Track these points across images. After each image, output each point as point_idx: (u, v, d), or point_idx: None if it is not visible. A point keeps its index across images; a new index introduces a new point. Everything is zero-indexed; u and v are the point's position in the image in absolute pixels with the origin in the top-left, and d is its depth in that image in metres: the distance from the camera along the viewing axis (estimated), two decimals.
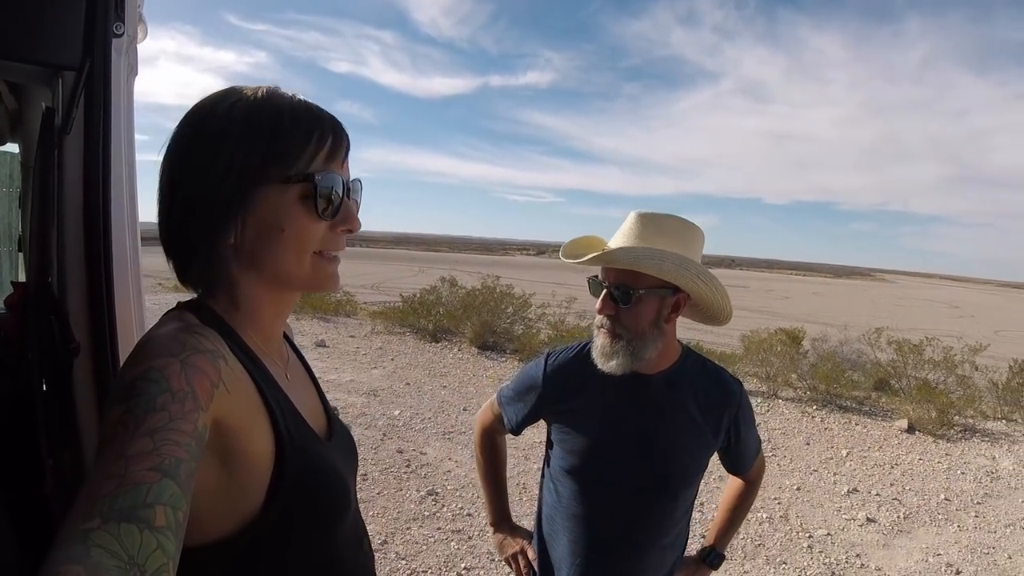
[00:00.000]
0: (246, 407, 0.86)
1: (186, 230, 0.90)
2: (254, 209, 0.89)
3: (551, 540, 1.83)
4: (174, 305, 0.96)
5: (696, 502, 1.90)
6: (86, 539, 0.57)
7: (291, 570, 0.94)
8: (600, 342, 1.66)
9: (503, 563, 2.05)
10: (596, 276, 1.68)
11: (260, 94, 0.91)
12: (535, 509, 1.96)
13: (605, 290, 1.63)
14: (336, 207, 0.94)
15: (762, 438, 7.15)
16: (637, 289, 1.59)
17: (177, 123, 0.92)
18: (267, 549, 0.90)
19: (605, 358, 1.65)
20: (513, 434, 1.92)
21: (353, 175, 1.00)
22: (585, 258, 1.63)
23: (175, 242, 0.93)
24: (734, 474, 1.97)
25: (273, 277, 0.94)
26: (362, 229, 1.03)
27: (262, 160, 0.88)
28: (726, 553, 2.01)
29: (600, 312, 1.64)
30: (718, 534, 2.00)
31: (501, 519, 2.07)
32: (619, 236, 1.67)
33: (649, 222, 1.64)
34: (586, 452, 1.72)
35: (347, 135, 0.96)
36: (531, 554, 1.93)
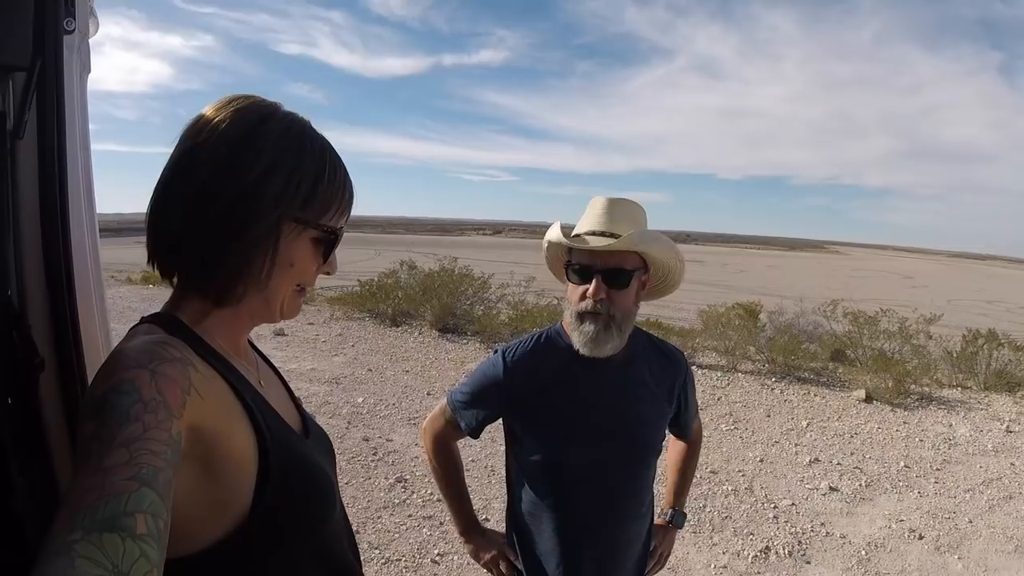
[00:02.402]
0: (222, 410, 0.87)
1: (219, 237, 0.90)
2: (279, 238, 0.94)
3: (534, 536, 1.81)
4: (138, 320, 0.96)
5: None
6: (70, 551, 0.58)
7: (282, 571, 0.96)
8: (590, 328, 1.65)
9: (483, 569, 1.99)
10: (572, 263, 1.68)
11: (308, 127, 0.97)
12: (503, 508, 1.96)
13: (598, 274, 1.63)
14: (331, 255, 1.02)
15: (723, 412, 7.25)
16: (631, 271, 1.65)
17: (208, 119, 0.91)
18: (258, 551, 0.91)
19: (596, 344, 1.65)
20: (472, 436, 1.86)
21: None
22: (602, 244, 1.62)
23: (191, 242, 0.91)
24: (680, 438, 2.08)
25: (261, 301, 0.97)
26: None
27: (305, 199, 0.94)
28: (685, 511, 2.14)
29: (594, 296, 1.62)
30: (675, 496, 2.11)
31: (470, 526, 1.98)
32: (595, 220, 1.68)
33: (617, 205, 1.69)
34: (562, 441, 1.73)
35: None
36: (511, 555, 1.90)
